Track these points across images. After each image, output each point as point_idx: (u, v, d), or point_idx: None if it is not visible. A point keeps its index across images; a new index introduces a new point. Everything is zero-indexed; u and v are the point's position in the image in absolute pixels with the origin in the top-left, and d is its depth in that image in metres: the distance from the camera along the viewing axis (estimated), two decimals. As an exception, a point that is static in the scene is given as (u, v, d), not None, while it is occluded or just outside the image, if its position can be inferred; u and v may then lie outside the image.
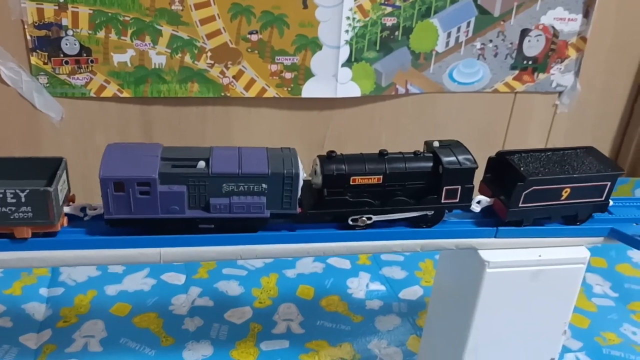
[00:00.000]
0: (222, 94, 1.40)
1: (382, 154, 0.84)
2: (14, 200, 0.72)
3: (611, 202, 0.92)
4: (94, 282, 1.33)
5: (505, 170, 0.91)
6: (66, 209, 0.79)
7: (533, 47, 1.54)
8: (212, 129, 1.46)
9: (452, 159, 0.84)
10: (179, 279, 1.35)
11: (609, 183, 0.91)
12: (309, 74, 1.42)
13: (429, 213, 0.86)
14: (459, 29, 1.47)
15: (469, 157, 0.85)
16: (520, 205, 0.87)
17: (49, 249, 0.77)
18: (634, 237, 0.89)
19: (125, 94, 1.36)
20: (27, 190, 0.72)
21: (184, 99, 1.40)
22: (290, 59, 1.39)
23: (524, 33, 1.51)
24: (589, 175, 0.90)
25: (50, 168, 0.78)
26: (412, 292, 1.37)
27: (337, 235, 0.85)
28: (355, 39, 1.40)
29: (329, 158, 0.82)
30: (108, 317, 1.23)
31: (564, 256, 0.90)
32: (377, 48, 1.43)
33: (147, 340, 1.17)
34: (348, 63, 1.43)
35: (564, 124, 1.70)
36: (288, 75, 1.41)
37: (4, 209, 0.73)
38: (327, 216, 0.85)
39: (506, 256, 0.88)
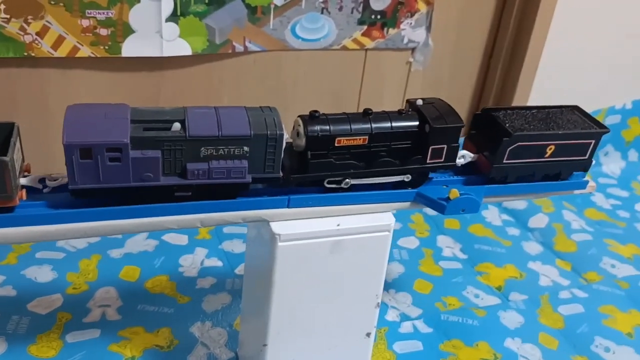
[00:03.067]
0: (26, 54, 1.22)
1: (367, 113, 0.80)
2: None
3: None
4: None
5: (490, 127, 0.90)
6: (23, 181, 0.71)
7: (380, 0, 1.45)
8: (23, 93, 1.28)
9: (438, 117, 0.81)
10: (-17, 266, 1.19)
11: (593, 141, 0.90)
12: (128, 30, 1.26)
13: (406, 179, 0.84)
14: (296, -20, 1.36)
15: (455, 115, 0.83)
16: (504, 161, 0.87)
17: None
18: (438, 200, 0.82)
19: None
20: None
21: (-20, 60, 1.21)
22: (103, 13, 1.23)
23: (369, -15, 1.42)
24: (574, 132, 0.89)
25: None
26: (250, 267, 1.27)
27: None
28: (177, -10, 1.26)
29: (311, 118, 0.77)
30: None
31: (366, 224, 0.82)
32: (207, 1, 1.29)
33: None
34: (173, 17, 1.28)
35: (419, 81, 1.63)
36: (103, 31, 1.25)
37: None
38: (311, 180, 0.80)
39: (301, 227, 0.79)
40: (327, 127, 0.77)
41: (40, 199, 0.72)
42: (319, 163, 0.78)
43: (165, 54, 1.31)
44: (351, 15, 1.44)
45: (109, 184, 0.69)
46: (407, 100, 0.86)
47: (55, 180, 0.74)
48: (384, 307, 1.20)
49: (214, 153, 0.72)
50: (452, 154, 0.84)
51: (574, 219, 1.60)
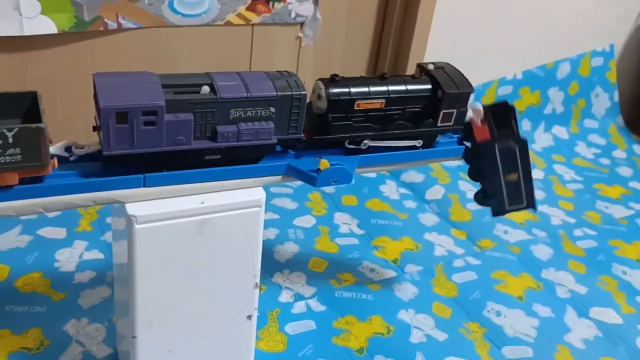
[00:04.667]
0: None
1: (384, 77, 0.83)
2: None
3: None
4: None
5: None
6: (51, 149, 0.68)
7: (262, -28, 1.39)
8: None
9: (450, 82, 0.84)
10: None
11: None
12: (-20, 7, 1.14)
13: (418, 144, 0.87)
14: (169, -49, 1.28)
15: (465, 80, 0.85)
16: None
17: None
18: (308, 172, 0.78)
19: None
20: (16, 129, 0.62)
21: None
22: (-52, -12, 1.11)
23: (249, -44, 1.36)
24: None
25: (18, 104, 0.68)
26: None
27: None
28: (32, -39, 1.15)
29: (332, 82, 0.79)
30: None
31: (234, 200, 0.77)
32: (69, -27, 1.19)
33: None
34: (32, -8, 1.17)
35: (310, 56, 1.59)
36: (-49, 8, 1.13)
37: None
38: (331, 142, 0.81)
39: (160, 207, 0.73)
40: (348, 91, 0.80)
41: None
42: (339, 125, 0.80)
43: (27, 33, 1.20)
44: (233, -12, 1.38)
45: (142, 149, 0.69)
46: (418, 64, 0.88)
47: (81, 149, 0.73)
48: (277, 289, 1.16)
49: (243, 115, 0.74)
50: (461, 118, 0.88)
51: (469, 188, 1.62)
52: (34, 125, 0.63)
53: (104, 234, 1.25)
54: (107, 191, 0.71)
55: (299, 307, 1.12)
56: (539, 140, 2.00)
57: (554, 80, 2.00)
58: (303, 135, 0.78)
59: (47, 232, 1.23)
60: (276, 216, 1.39)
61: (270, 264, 1.23)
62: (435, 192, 1.58)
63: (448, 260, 1.32)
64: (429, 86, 0.85)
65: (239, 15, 1.43)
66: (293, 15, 1.49)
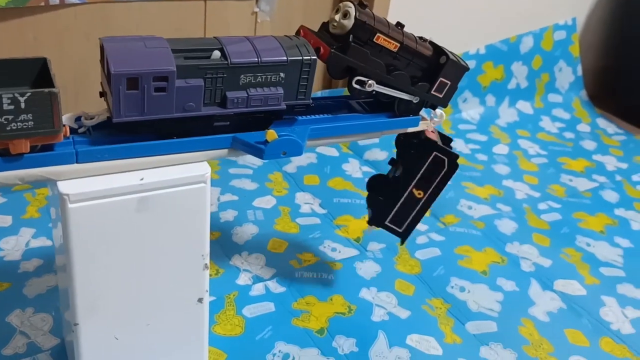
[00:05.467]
0: None
1: (400, 24, 0.83)
2: (11, 107, 0.60)
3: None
4: None
5: None
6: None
7: (213, -57, 1.34)
8: None
9: (452, 54, 0.86)
10: None
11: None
12: None
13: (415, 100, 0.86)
14: None
15: (462, 59, 0.88)
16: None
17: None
18: (255, 145, 0.74)
19: None
20: (29, 94, 0.60)
21: None
22: None
23: None
24: None
25: (26, 70, 0.66)
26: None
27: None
28: None
29: (361, 5, 0.78)
30: None
31: (175, 176, 0.72)
32: (3, -56, 1.12)
33: None
34: (-36, -35, 1.10)
35: (268, 32, 1.54)
36: None
37: None
38: (347, 66, 0.79)
39: (95, 185, 0.68)
40: (373, 19, 0.79)
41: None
42: (357, 49, 0.78)
43: (-40, 9, 1.13)
44: (183, -39, 1.32)
45: (153, 115, 0.68)
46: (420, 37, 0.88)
47: (91, 119, 0.71)
48: (235, 271, 1.12)
49: (252, 80, 0.72)
50: (449, 95, 0.88)
51: (433, 165, 1.59)
52: (46, 90, 0.60)
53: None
54: (36, 168, 0.66)
55: (258, 289, 1.08)
56: (504, 115, 1.98)
57: (518, 54, 1.99)
58: (311, 100, 0.78)
59: (-9, 219, 1.17)
60: (235, 197, 1.35)
61: (229, 247, 1.18)
62: (399, 170, 1.55)
63: (412, 237, 1.29)
64: (431, 50, 0.86)
65: (191, -11, 1.37)
66: (248, -11, 1.44)
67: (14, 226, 1.17)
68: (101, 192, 0.68)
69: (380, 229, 1.00)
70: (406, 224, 0.97)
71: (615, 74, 2.19)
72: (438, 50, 0.86)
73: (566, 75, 2.13)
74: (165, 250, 0.76)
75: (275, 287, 1.09)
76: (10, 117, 0.60)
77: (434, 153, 0.90)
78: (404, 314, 1.07)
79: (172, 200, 0.73)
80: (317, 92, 1.71)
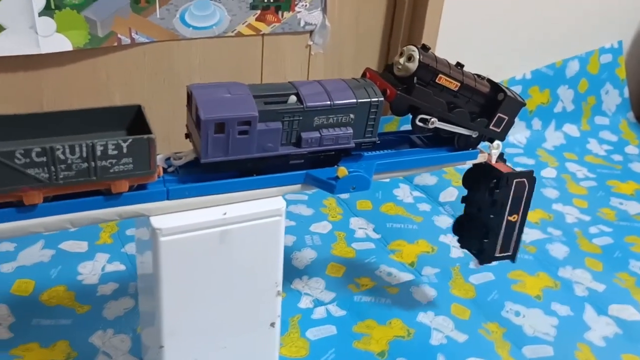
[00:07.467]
0: None
1: (460, 64, 0.89)
2: (115, 152, 0.67)
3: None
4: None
5: None
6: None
7: (271, -18, 1.41)
8: None
9: (509, 90, 0.91)
10: None
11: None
12: (-3, 28, 1.17)
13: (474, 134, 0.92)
14: (180, -35, 1.30)
15: (519, 94, 0.94)
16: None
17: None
18: (327, 180, 0.80)
19: None
20: (130, 140, 0.67)
21: None
22: (-34, 10, 1.13)
23: (258, -33, 1.38)
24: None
25: (121, 116, 0.74)
26: (155, 267, 1.21)
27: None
28: (48, -18, 1.17)
29: (424, 49, 0.84)
30: None
31: (255, 210, 0.78)
32: (82, -9, 1.22)
33: None
34: (47, 11, 1.20)
35: (321, 64, 1.61)
36: (-30, 30, 1.15)
37: (104, 163, 0.67)
38: (411, 104, 0.85)
39: (183, 219, 0.75)
40: (435, 62, 0.85)
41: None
42: (420, 90, 0.84)
43: (44, 51, 1.22)
44: (242, 0, 1.40)
45: (236, 156, 0.75)
46: (477, 75, 0.93)
47: (179, 159, 0.78)
48: (296, 295, 1.17)
49: (325, 122, 0.79)
50: (506, 129, 0.94)
51: (482, 189, 1.63)
52: (145, 137, 0.68)
53: (124, 246, 1.27)
54: (131, 205, 0.73)
55: (319, 313, 1.13)
56: (550, 138, 2.00)
57: (563, 78, 2.01)
58: (377, 138, 0.84)
59: (68, 245, 1.26)
60: (292, 223, 1.41)
61: (289, 271, 1.24)
62: (449, 194, 1.59)
63: (464, 261, 1.32)
64: (489, 87, 0.91)
65: (249, 26, 1.45)
66: (302, 24, 1.51)
67: (90, 252, 1.25)
68: (189, 227, 0.75)
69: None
70: (512, 246, 1.02)
71: (663, 95, 2.19)
72: (495, 87, 0.91)
73: (613, 97, 2.13)
74: (243, 278, 0.82)
75: (336, 310, 1.14)
76: (113, 161, 0.68)
77: (514, 181, 0.95)
78: (461, 337, 1.10)
79: (251, 232, 0.79)
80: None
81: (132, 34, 1.32)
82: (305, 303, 1.16)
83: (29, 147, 0.63)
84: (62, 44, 1.24)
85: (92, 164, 0.67)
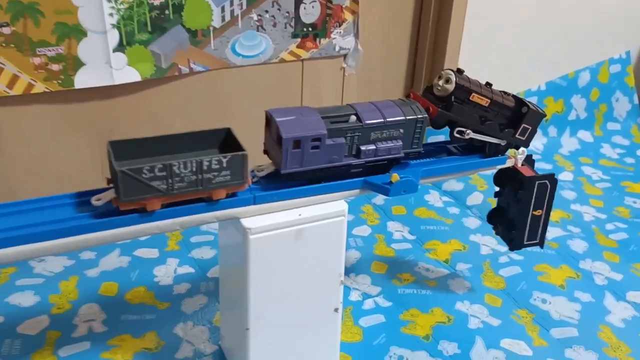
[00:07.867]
0: (-16, 96, 1.29)
1: (489, 84, 1.04)
2: (217, 166, 0.83)
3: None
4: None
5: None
6: None
7: (310, 14, 1.58)
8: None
9: (531, 104, 1.08)
10: (-35, 300, 1.25)
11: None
12: (78, 64, 1.34)
13: (502, 143, 1.08)
14: (232, 2, 1.47)
15: (540, 107, 1.10)
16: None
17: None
18: (382, 185, 0.95)
19: None
20: (229, 156, 0.83)
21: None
22: (53, 50, 1.31)
23: (298, 1, 1.55)
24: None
25: (214, 137, 0.90)
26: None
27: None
28: (122, 22, 1.35)
29: (459, 72, 1.01)
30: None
31: (323, 212, 0.94)
32: (149, 29, 1.39)
33: None
34: (120, 47, 1.37)
35: (354, 83, 1.77)
36: (55, 67, 1.33)
37: (207, 175, 0.83)
38: (449, 120, 1.01)
39: (268, 220, 0.90)
40: (469, 82, 1.01)
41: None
42: (458, 107, 1.00)
43: (117, 82, 1.40)
44: (285, 30, 1.57)
45: (308, 167, 0.91)
46: (504, 92, 1.09)
47: (262, 171, 0.94)
48: (346, 290, 1.33)
49: (380, 136, 0.94)
50: (530, 137, 1.10)
51: (505, 193, 1.77)
52: (240, 153, 0.84)
53: (190, 251, 1.44)
54: (227, 210, 0.89)
55: (368, 304, 1.28)
56: (566, 144, 2.15)
57: (576, 88, 2.16)
58: (422, 148, 0.99)
59: (142, 252, 1.42)
60: (336, 228, 1.56)
61: (337, 270, 1.39)
62: (475, 198, 1.74)
63: (494, 257, 1.47)
64: (514, 102, 1.07)
65: (291, 52, 1.62)
66: (337, 48, 1.68)
67: (161, 257, 1.41)
68: (272, 226, 0.90)
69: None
70: (539, 235, 1.19)
71: (671, 100, 2.32)
72: (519, 101, 1.07)
73: (623, 104, 2.28)
74: (313, 269, 0.98)
75: (383, 302, 1.29)
76: (216, 174, 0.84)
77: (537, 183, 1.11)
78: (495, 322, 1.25)
79: (320, 230, 0.95)
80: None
81: (190, 63, 1.49)
82: (355, 296, 1.31)
83: (153, 164, 0.79)
84: (132, 75, 1.42)
85: (200, 176, 0.83)
